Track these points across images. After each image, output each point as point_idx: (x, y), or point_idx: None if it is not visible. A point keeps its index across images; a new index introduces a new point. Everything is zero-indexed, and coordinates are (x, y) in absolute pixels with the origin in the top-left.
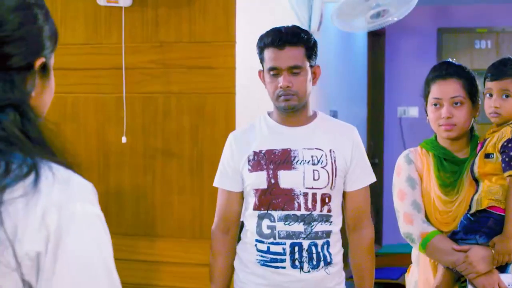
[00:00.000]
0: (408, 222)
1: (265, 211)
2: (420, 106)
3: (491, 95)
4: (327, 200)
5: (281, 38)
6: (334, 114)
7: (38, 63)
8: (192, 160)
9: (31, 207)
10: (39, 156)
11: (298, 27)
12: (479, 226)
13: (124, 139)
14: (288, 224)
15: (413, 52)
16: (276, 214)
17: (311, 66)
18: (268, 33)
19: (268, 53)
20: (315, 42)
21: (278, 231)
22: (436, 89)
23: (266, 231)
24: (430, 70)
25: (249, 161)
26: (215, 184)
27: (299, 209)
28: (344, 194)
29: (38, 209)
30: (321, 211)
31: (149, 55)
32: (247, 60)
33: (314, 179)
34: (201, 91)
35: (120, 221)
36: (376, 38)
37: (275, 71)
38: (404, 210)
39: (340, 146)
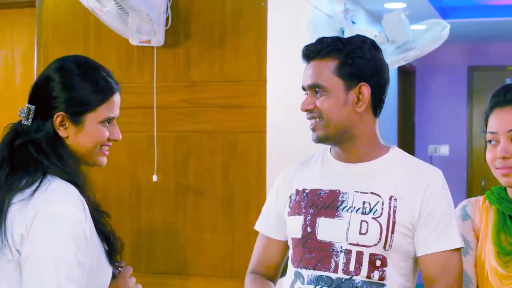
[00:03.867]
0: None
1: (296, 269)
2: (451, 144)
3: None
4: (378, 263)
5: (306, 47)
6: None
7: (55, 116)
8: (223, 198)
9: (23, 207)
10: (52, 172)
11: (338, 38)
12: None
13: (155, 177)
14: None
15: (443, 90)
16: (307, 274)
17: (349, 87)
18: None
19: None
20: (357, 54)
21: None
22: (492, 121)
23: None
24: (491, 96)
25: (290, 201)
26: (255, 226)
27: (335, 270)
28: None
29: (28, 209)
30: (368, 277)
31: (181, 94)
32: (278, 99)
33: (360, 233)
34: (232, 130)
35: (151, 259)
36: (407, 76)
37: (304, 90)
38: None
39: (407, 193)
